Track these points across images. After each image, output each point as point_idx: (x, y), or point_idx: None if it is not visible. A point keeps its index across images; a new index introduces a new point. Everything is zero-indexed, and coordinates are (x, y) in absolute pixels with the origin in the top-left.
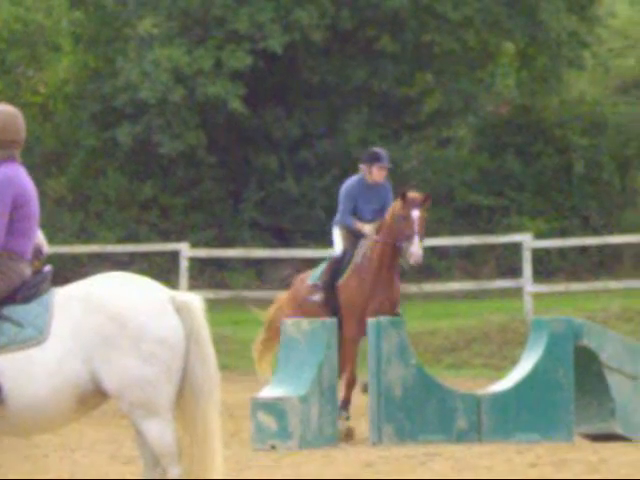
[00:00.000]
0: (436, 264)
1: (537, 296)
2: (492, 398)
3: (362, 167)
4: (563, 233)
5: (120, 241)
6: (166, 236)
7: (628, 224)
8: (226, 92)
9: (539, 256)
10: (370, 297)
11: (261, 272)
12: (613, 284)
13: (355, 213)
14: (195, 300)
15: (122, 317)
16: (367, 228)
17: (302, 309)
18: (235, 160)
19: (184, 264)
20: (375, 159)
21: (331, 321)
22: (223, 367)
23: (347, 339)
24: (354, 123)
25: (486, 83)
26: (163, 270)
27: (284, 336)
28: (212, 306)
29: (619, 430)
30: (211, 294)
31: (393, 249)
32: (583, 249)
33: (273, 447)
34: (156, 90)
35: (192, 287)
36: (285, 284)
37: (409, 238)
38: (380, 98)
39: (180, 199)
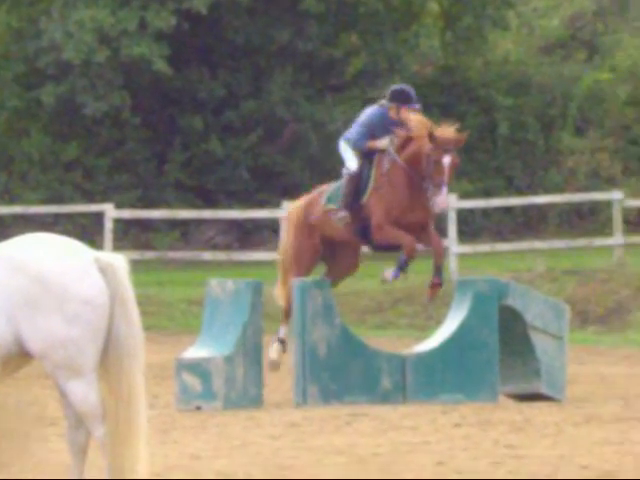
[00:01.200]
0: None
1: (462, 256)
2: (417, 358)
3: (388, 104)
4: (487, 193)
5: (44, 202)
6: (90, 197)
7: (552, 184)
8: (150, 53)
9: (463, 216)
10: (406, 209)
11: (186, 233)
12: (538, 244)
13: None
14: (120, 261)
15: (45, 278)
16: (382, 143)
17: (322, 233)
18: (160, 121)
19: (108, 225)
20: (405, 100)
21: (256, 282)
22: (148, 328)
23: (385, 232)
24: (279, 83)
25: (411, 43)
26: (87, 231)
27: (208, 297)
28: (137, 267)
29: (544, 390)
30: (136, 255)
31: (417, 180)
32: (507, 209)
33: (198, 408)
34: (80, 51)
35: (117, 248)
36: (210, 244)
37: (438, 185)
38: (305, 58)
39: (104, 160)
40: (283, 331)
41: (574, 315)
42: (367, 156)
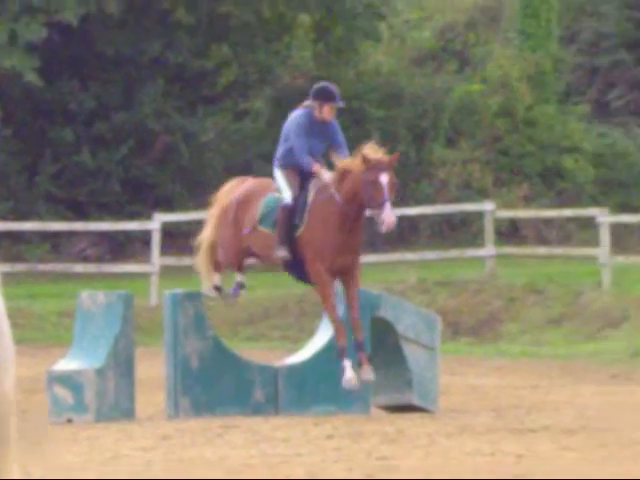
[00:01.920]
0: None
1: None
2: (289, 370)
3: (311, 103)
4: None
5: None
6: None
7: (423, 196)
8: (21, 65)
9: None
10: (338, 250)
11: (57, 245)
12: (409, 255)
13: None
14: None
15: None
16: (326, 175)
17: (252, 247)
18: (30, 133)
19: None
20: (327, 98)
21: (127, 294)
22: (19, 341)
23: (316, 282)
24: (150, 95)
25: (282, 55)
26: None
27: (79, 309)
28: (7, 279)
29: (416, 401)
30: (6, 267)
31: (358, 212)
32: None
33: (69, 420)
34: None
35: None
36: (81, 257)
37: (380, 205)
38: (176, 70)
39: None
40: (217, 278)
41: (446, 326)
42: (303, 184)
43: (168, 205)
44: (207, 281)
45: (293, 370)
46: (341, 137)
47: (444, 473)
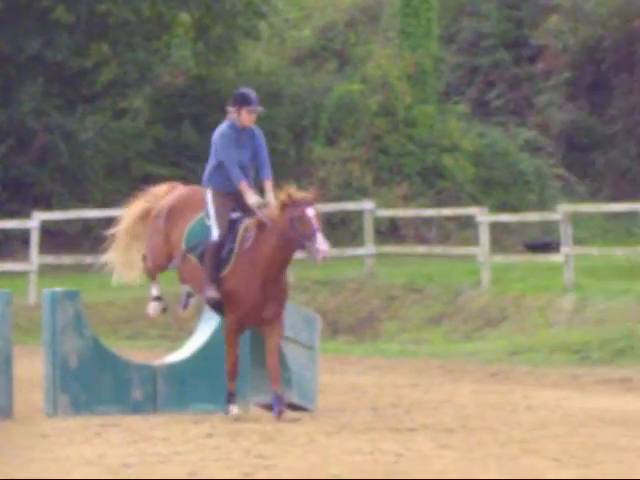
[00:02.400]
0: None
1: None
2: (168, 369)
3: (231, 110)
4: None
5: None
6: None
7: None
8: None
9: None
10: (258, 299)
11: None
12: None
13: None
14: None
15: None
16: (253, 199)
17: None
18: None
19: None
20: (244, 102)
21: (6, 292)
22: None
23: (225, 334)
24: (29, 94)
25: (162, 53)
26: None
27: None
28: None
29: (295, 400)
30: None
31: (287, 247)
32: None
33: None
34: None
35: None
36: None
37: (311, 237)
38: (55, 68)
39: None
40: (156, 289)
41: (325, 325)
42: (232, 221)
43: (47, 204)
44: (120, 275)
45: (172, 369)
46: (265, 152)
47: (323, 472)
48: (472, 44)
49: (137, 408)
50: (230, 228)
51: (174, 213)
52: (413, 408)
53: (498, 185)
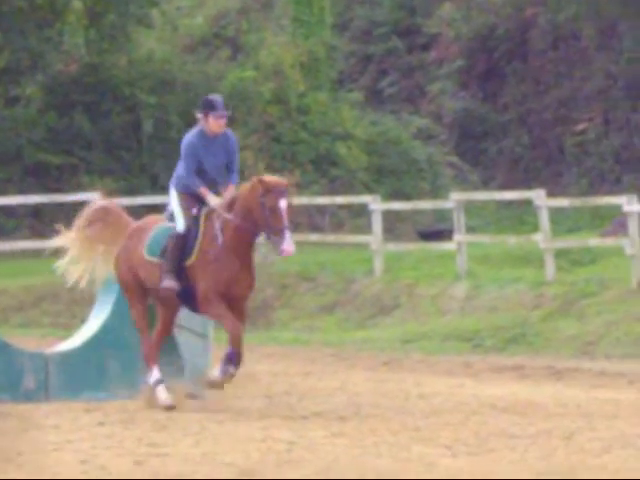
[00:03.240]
0: (4, 223)
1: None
2: (60, 357)
3: (199, 117)
4: (132, 192)
5: None
6: None
7: None
8: None
9: None
10: (229, 282)
11: None
12: None
13: (200, 171)
14: None
15: None
16: (214, 201)
17: (143, 280)
18: None
19: None
20: (209, 108)
21: None
22: None
23: (211, 308)
24: None
25: (54, 41)
26: None
27: None
28: None
29: (188, 388)
30: None
31: (252, 235)
32: (152, 207)
33: None
34: None
35: None
36: None
37: (279, 232)
38: None
39: None
40: (158, 373)
41: None
42: (198, 204)
43: None
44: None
45: (64, 357)
46: (236, 159)
47: (215, 460)
48: (365, 32)
49: (29, 396)
50: (194, 221)
51: (137, 232)
52: (306, 396)
53: (391, 173)
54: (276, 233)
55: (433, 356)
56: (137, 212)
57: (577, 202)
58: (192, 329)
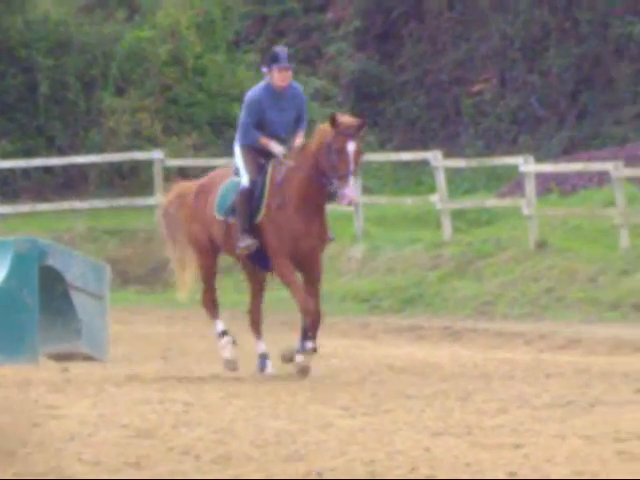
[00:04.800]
0: None
1: (3, 217)
2: None
3: (265, 71)
4: (28, 153)
5: None
6: None
7: (93, 144)
8: None
9: (4, 177)
10: (299, 236)
11: None
12: (78, 204)
13: (265, 127)
14: None
15: None
16: (277, 148)
17: (214, 237)
18: None
19: None
20: (273, 60)
21: None
22: None
23: (280, 274)
24: None
25: None
26: None
27: None
28: None
29: (85, 350)
30: None
31: (320, 184)
32: (48, 169)
33: None
34: None
35: None
36: None
37: (343, 178)
38: None
39: None
40: (220, 325)
41: (115, 275)
42: (263, 157)
43: None
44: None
45: None
46: (304, 113)
47: (112, 422)
48: None
49: None
50: (259, 173)
51: (202, 194)
52: (203, 358)
53: None
54: (340, 177)
55: (330, 317)
56: (33, 174)
57: (474, 163)
58: (88, 291)
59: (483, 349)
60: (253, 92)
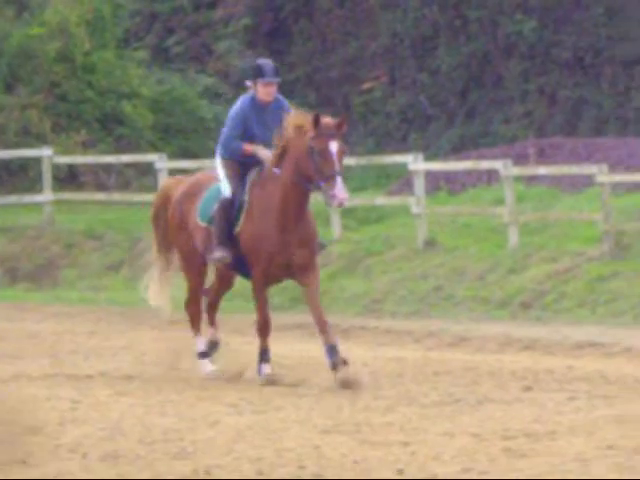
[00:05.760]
0: None
1: None
2: None
3: (249, 84)
4: None
5: None
6: None
7: None
8: None
9: None
10: (279, 245)
11: None
12: None
13: (248, 141)
14: None
15: None
16: (262, 152)
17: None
18: None
19: None
20: (258, 74)
21: None
22: None
23: (254, 288)
24: None
25: None
26: None
27: None
28: None
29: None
30: None
31: (302, 190)
32: None
33: None
34: None
35: None
36: None
37: (330, 179)
38: None
39: None
40: (201, 344)
41: (4, 272)
42: (242, 173)
43: None
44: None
45: None
46: None
47: None
48: None
49: None
50: (241, 184)
51: (188, 196)
52: (91, 355)
53: (178, 132)
54: (327, 179)
55: (223, 314)
56: None
57: (363, 161)
58: None
59: (372, 347)
60: (239, 106)
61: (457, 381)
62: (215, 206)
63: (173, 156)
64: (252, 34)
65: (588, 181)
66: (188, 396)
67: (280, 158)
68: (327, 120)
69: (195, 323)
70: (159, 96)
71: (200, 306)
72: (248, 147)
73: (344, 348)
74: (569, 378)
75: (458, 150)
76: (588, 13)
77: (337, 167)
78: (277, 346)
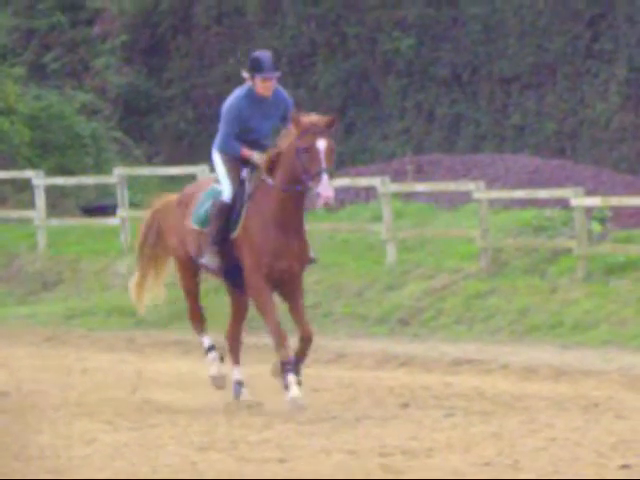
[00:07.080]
0: None
1: None
2: None
3: (246, 77)
4: None
5: None
6: None
7: None
8: None
9: None
10: (276, 254)
11: None
12: None
13: (247, 134)
14: None
15: None
16: (256, 157)
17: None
18: None
19: None
20: (256, 68)
21: None
22: None
23: (254, 295)
24: None
25: None
26: None
27: None
28: None
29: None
30: None
31: (295, 194)
32: None
33: None
34: None
35: None
36: None
37: (316, 176)
38: None
39: None
40: (207, 341)
41: None
42: (241, 177)
43: None
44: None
45: None
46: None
47: None
48: (28, 7)
49: None
50: (241, 188)
51: (185, 200)
52: None
53: (55, 149)
54: (314, 176)
55: (96, 332)
56: None
57: None
58: None
59: (250, 364)
60: (234, 99)
61: (334, 398)
62: (210, 206)
63: (50, 173)
64: (130, 50)
65: (466, 198)
66: (64, 413)
67: (274, 164)
68: (314, 118)
69: (195, 324)
70: (36, 112)
71: (198, 309)
72: (245, 152)
73: (220, 365)
74: (446, 395)
75: (336, 167)
76: (465, 30)
77: (323, 164)
78: (154, 363)
